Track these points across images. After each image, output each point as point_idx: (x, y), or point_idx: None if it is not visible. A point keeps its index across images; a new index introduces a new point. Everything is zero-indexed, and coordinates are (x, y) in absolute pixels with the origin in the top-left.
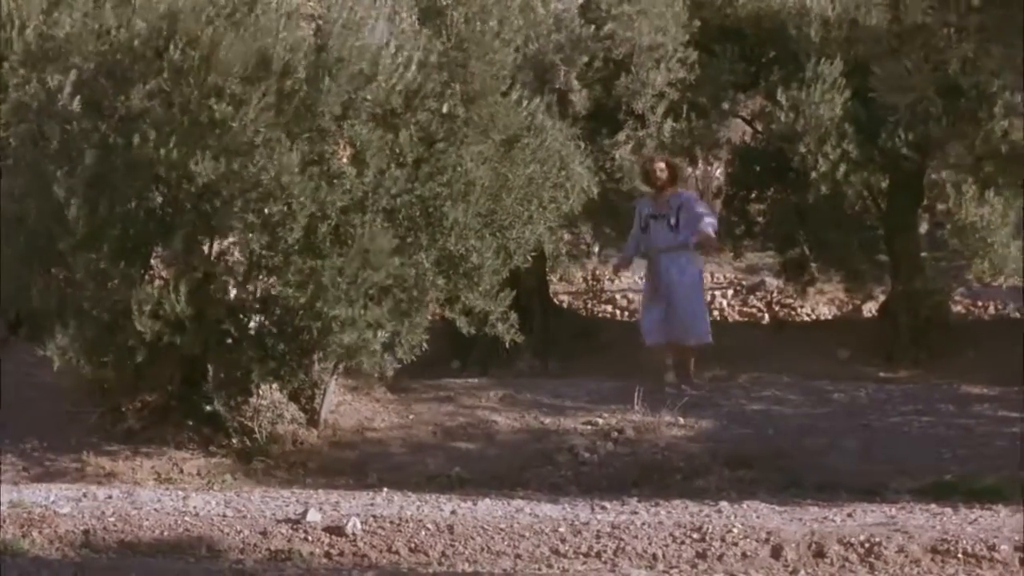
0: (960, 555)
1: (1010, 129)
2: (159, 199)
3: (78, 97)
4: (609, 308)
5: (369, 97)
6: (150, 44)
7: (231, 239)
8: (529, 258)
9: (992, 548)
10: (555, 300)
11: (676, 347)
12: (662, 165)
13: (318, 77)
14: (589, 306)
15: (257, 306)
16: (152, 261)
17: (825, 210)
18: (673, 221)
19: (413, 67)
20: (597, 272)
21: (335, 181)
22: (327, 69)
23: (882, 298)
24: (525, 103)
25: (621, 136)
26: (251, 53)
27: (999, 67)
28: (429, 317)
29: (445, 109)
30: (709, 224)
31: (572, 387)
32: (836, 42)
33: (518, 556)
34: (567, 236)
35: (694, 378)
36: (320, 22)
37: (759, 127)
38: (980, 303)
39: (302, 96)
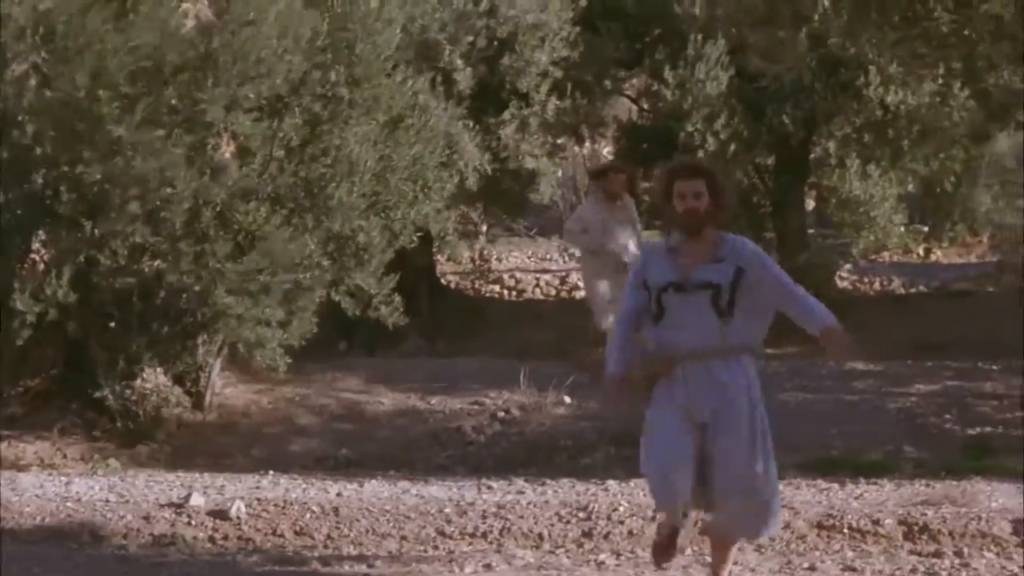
0: (845, 530)
1: (886, 97)
2: (40, 182)
3: None
4: (497, 288)
5: (252, 95)
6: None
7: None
8: (415, 238)
9: (876, 523)
10: (442, 280)
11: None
12: (697, 186)
13: (204, 78)
14: (476, 286)
15: (140, 290)
16: (34, 244)
17: None
18: (725, 298)
19: (299, 56)
20: (485, 252)
21: (218, 172)
22: (213, 70)
23: None
24: (410, 83)
25: (506, 115)
26: (139, 55)
27: (873, 37)
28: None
29: (329, 92)
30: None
31: (459, 367)
32: (721, 20)
33: (403, 538)
34: (458, 215)
35: None
36: (201, 17)
37: (645, 105)
38: (866, 279)
39: (186, 94)
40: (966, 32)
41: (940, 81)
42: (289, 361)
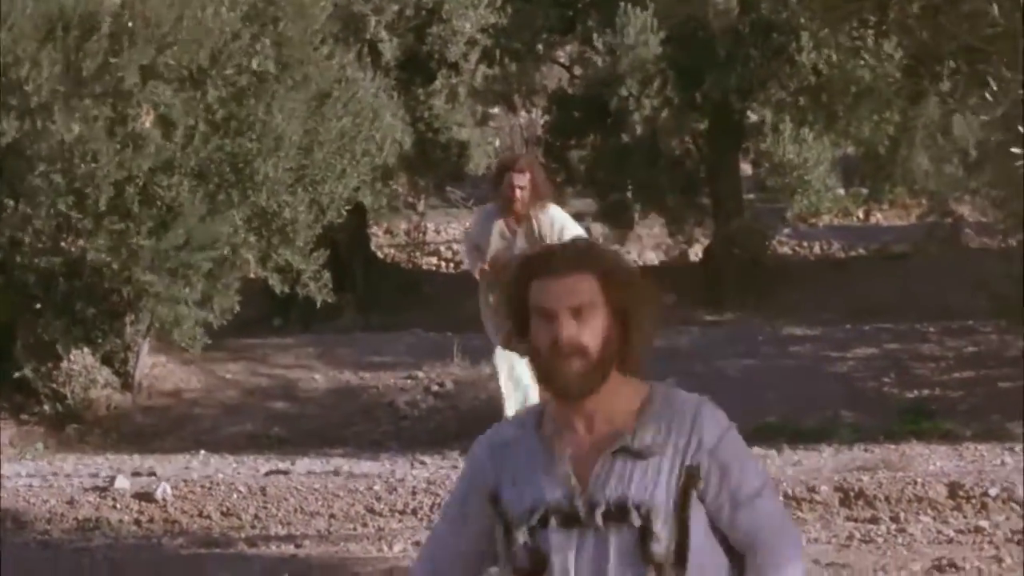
0: (781, 498)
1: (818, 62)
2: None
3: None
4: (433, 260)
5: (172, 61)
6: None
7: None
8: (344, 212)
9: (812, 489)
10: (378, 253)
11: None
12: (569, 286)
13: (118, 41)
14: (413, 258)
15: (65, 270)
16: None
17: (645, 154)
18: (666, 536)
19: (219, 28)
20: (421, 224)
21: (140, 143)
22: (128, 33)
23: (706, 242)
24: (336, 56)
25: (436, 85)
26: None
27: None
28: (250, 276)
29: (255, 65)
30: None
31: (392, 342)
32: None
33: (332, 516)
34: (398, 188)
35: None
36: None
37: (577, 73)
38: (805, 243)
39: (101, 59)
40: None
41: (855, 35)
42: (208, 342)
